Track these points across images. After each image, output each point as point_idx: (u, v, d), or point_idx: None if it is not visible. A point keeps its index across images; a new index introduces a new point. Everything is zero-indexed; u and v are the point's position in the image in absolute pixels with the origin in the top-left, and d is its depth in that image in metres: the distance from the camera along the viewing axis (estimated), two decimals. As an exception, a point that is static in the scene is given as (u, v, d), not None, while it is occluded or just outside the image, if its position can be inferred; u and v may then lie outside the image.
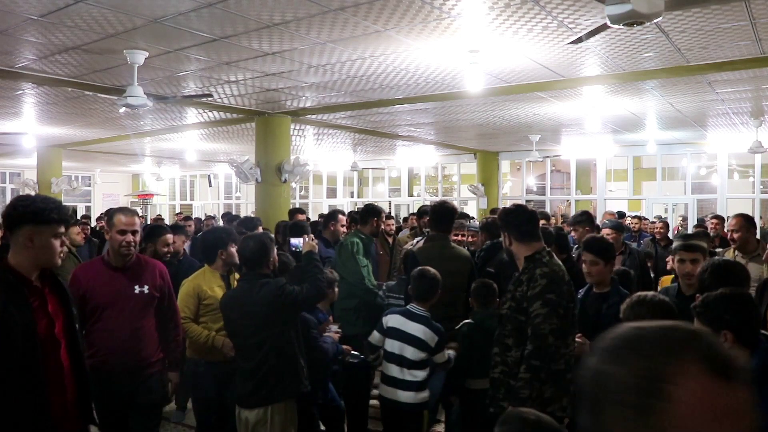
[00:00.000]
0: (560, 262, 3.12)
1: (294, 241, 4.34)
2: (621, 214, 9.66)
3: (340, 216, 5.82)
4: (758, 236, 5.67)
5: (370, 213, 5.31)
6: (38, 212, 2.32)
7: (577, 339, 3.12)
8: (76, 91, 7.45)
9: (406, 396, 3.62)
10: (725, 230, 6.21)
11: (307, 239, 3.80)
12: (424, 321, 3.67)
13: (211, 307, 3.83)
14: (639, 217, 9.13)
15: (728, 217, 11.11)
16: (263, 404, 3.30)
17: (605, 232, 6.01)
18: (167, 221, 13.35)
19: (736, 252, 4.69)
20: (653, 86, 7.27)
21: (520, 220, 3.14)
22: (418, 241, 5.34)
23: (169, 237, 4.75)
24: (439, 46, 5.49)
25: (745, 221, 4.68)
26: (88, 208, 21.22)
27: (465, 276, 4.28)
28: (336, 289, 4.17)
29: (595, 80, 6.88)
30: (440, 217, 4.45)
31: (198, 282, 3.87)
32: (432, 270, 3.78)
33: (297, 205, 18.18)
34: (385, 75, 6.70)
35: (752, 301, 2.42)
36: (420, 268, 3.86)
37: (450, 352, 3.78)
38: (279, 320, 3.31)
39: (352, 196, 20.50)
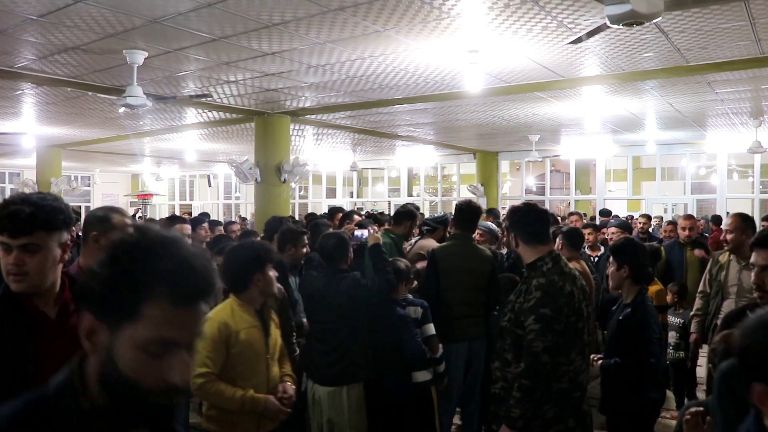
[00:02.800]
0: (567, 269, 2.82)
1: (357, 232, 4.51)
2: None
3: (356, 216, 5.83)
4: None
5: (405, 215, 5.15)
6: None
7: (592, 360, 2.92)
8: (76, 91, 7.44)
9: (423, 375, 3.87)
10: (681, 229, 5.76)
11: (372, 231, 4.01)
12: (409, 302, 3.96)
13: (245, 356, 2.76)
14: (647, 216, 8.37)
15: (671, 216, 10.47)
16: (338, 384, 3.57)
17: (611, 230, 5.87)
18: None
19: (731, 256, 4.27)
20: (653, 86, 7.28)
21: (528, 219, 2.90)
22: (417, 241, 5.31)
23: (187, 227, 4.66)
24: (439, 46, 5.48)
25: (742, 222, 4.20)
26: (87, 209, 21.23)
27: (485, 277, 4.25)
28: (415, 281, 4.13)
29: (594, 80, 6.88)
30: (465, 216, 4.43)
31: (225, 320, 2.75)
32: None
33: (297, 206, 18.25)
34: (384, 75, 6.70)
35: None
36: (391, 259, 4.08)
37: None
38: (356, 309, 3.62)
39: (352, 196, 20.52)
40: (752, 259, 2.65)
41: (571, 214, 7.53)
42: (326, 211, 7.26)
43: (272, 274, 2.89)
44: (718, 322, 4.20)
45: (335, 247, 3.71)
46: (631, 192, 15.39)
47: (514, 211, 3.00)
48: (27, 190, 14.30)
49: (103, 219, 2.39)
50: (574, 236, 4.69)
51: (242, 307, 2.83)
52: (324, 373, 3.63)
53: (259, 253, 2.91)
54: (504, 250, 5.30)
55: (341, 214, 6.41)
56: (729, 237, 4.22)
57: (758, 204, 12.71)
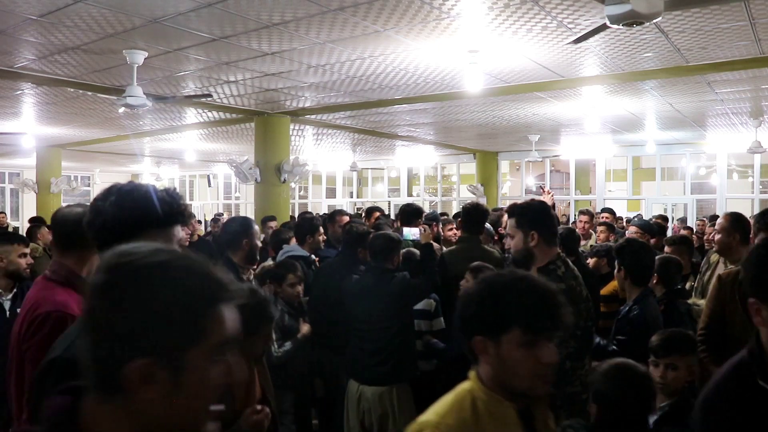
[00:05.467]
0: (576, 272, 2.72)
1: (407, 230, 4.49)
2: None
3: (338, 217, 5.76)
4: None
5: (414, 214, 5.02)
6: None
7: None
8: (76, 91, 7.45)
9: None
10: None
11: (422, 230, 4.06)
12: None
13: None
14: (663, 217, 8.10)
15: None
16: (387, 383, 3.59)
17: (631, 230, 5.69)
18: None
19: (720, 257, 3.90)
20: (652, 86, 7.28)
21: (551, 220, 2.69)
22: None
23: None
24: (439, 46, 5.49)
25: (731, 223, 3.66)
26: (87, 208, 21.18)
27: None
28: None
29: (594, 80, 6.88)
30: (472, 218, 4.43)
31: (456, 425, 1.42)
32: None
33: (296, 206, 18.24)
34: (384, 75, 6.70)
35: None
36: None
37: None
38: (405, 309, 3.70)
39: (352, 197, 20.52)
40: None
41: (581, 212, 6.71)
42: (365, 210, 7.02)
43: (519, 355, 1.42)
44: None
45: (384, 247, 3.74)
46: (631, 192, 15.39)
47: (534, 209, 2.73)
48: (27, 190, 14.33)
49: None
50: (570, 239, 4.38)
51: (493, 400, 1.47)
52: (372, 373, 3.63)
53: (507, 301, 1.44)
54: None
55: (378, 213, 6.31)
56: (717, 237, 3.78)
57: (758, 204, 12.69)
